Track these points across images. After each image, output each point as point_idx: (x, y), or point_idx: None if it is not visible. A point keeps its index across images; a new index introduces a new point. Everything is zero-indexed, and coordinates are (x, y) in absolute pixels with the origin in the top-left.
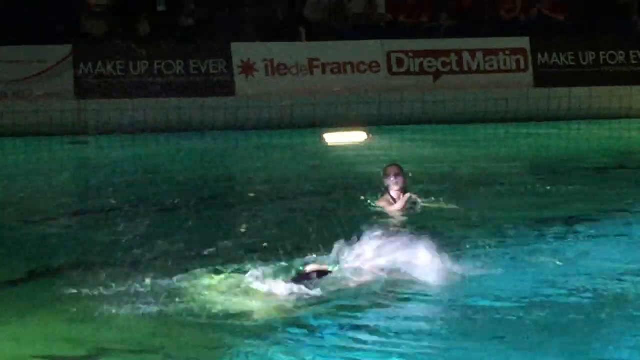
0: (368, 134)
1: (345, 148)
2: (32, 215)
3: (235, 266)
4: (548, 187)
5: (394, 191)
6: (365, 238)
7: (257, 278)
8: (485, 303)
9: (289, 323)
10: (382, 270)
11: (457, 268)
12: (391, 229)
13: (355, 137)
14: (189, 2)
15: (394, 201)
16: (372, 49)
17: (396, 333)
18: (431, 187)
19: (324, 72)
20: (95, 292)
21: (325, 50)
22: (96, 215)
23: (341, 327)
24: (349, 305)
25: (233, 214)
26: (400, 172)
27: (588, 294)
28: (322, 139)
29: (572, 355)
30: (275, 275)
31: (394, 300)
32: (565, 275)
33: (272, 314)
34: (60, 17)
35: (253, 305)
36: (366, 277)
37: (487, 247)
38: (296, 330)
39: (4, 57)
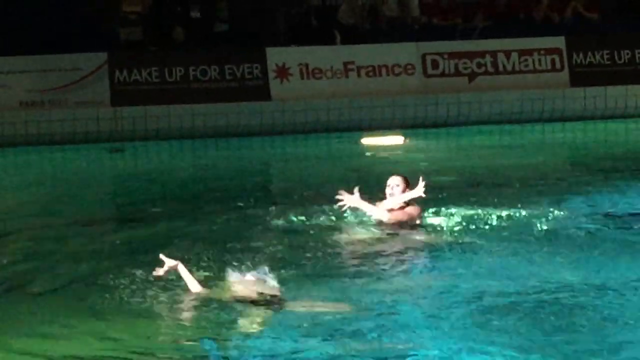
0: (404, 137)
1: (381, 151)
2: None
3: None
4: (585, 186)
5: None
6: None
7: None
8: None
9: None
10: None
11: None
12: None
13: (391, 140)
14: (223, 7)
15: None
16: (406, 51)
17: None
18: (466, 188)
19: (359, 75)
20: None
21: (360, 54)
22: (135, 222)
23: None
24: None
25: (263, 219)
26: (398, 184)
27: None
28: (358, 142)
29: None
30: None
31: None
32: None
33: None
34: (96, 25)
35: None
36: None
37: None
38: None
39: (40, 65)
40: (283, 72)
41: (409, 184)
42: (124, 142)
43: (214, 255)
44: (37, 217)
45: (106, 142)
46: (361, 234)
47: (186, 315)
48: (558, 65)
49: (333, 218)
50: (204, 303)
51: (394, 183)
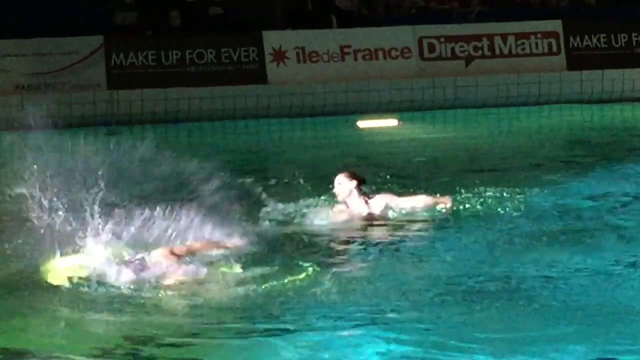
0: (401, 120)
1: (378, 134)
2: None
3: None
4: (581, 170)
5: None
6: None
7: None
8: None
9: None
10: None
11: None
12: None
13: (388, 123)
14: None
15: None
16: (403, 35)
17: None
18: (461, 172)
19: (355, 58)
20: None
21: (356, 37)
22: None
23: None
24: None
25: (253, 203)
26: (342, 183)
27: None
28: (355, 126)
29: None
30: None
31: None
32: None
33: None
34: (92, 9)
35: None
36: None
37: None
38: None
39: (36, 49)
40: (280, 56)
41: (356, 179)
42: (119, 125)
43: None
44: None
45: (102, 125)
46: (348, 222)
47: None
48: (555, 49)
49: (322, 203)
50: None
51: (337, 182)
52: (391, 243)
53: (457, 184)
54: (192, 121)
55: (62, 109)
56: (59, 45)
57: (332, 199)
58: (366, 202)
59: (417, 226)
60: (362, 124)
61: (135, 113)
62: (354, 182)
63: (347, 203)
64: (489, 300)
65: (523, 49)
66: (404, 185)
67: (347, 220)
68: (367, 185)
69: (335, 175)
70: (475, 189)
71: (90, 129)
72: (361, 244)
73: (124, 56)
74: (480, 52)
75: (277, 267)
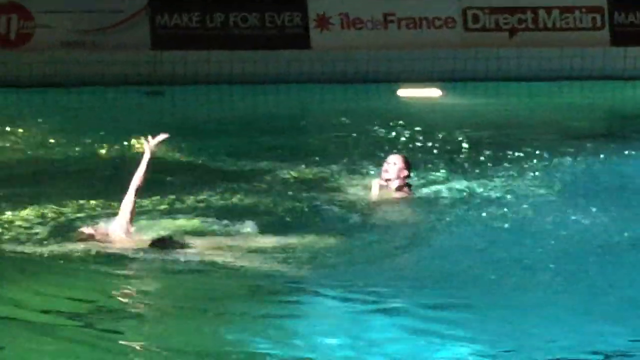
0: (442, 90)
1: (418, 104)
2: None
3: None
4: (622, 146)
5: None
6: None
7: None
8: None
9: None
10: None
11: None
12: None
13: (429, 92)
14: None
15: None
16: (447, 5)
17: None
18: (500, 145)
19: (399, 26)
20: None
21: (400, 5)
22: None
23: None
24: None
25: (286, 170)
26: (397, 164)
27: None
28: (396, 94)
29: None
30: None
31: None
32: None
33: None
34: None
35: None
36: None
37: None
38: None
39: (82, 6)
40: (323, 21)
41: (409, 169)
42: (162, 86)
43: (220, 202)
44: (73, 156)
45: (145, 85)
46: (385, 200)
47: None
48: (599, 24)
49: (353, 175)
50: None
51: (392, 161)
52: (425, 225)
53: (491, 158)
54: (234, 84)
55: (105, 68)
56: (105, 3)
57: (370, 171)
58: (406, 191)
59: (454, 212)
60: (403, 92)
61: (178, 74)
62: (406, 172)
63: (389, 183)
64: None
65: (567, 23)
66: (438, 156)
67: (383, 199)
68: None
69: (392, 153)
70: (510, 164)
71: (133, 88)
72: (392, 223)
73: (169, 17)
74: (524, 25)
75: (294, 235)
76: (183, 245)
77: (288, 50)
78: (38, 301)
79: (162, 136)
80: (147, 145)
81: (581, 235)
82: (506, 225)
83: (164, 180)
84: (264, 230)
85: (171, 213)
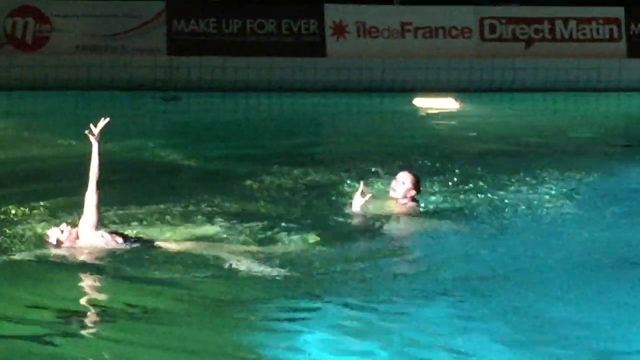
0: (458, 100)
1: (434, 113)
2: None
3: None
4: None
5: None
6: None
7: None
8: None
9: None
10: None
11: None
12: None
13: (444, 103)
14: None
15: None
16: (464, 15)
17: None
18: (515, 156)
19: (415, 36)
20: None
21: (417, 14)
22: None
23: None
24: None
25: (299, 177)
26: (406, 184)
27: None
28: (411, 103)
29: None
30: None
31: None
32: None
33: None
34: None
35: None
36: None
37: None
38: None
39: (99, 11)
40: (340, 29)
41: (418, 189)
42: (178, 91)
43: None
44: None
45: (161, 90)
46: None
47: None
48: (616, 35)
49: (370, 187)
50: None
51: (401, 180)
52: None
53: (506, 169)
54: (250, 91)
55: (120, 72)
56: (122, 8)
57: (381, 185)
58: (413, 207)
59: (462, 222)
60: (419, 101)
61: (194, 80)
62: (414, 192)
63: (398, 200)
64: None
65: (584, 34)
66: (451, 167)
67: (394, 213)
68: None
69: (402, 171)
70: (525, 175)
71: (148, 93)
72: (397, 235)
73: (185, 22)
74: (540, 35)
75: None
76: (151, 242)
77: (304, 58)
78: (20, 309)
79: (103, 122)
80: (91, 137)
81: (596, 247)
82: (520, 237)
83: (177, 186)
84: (269, 236)
85: (183, 218)
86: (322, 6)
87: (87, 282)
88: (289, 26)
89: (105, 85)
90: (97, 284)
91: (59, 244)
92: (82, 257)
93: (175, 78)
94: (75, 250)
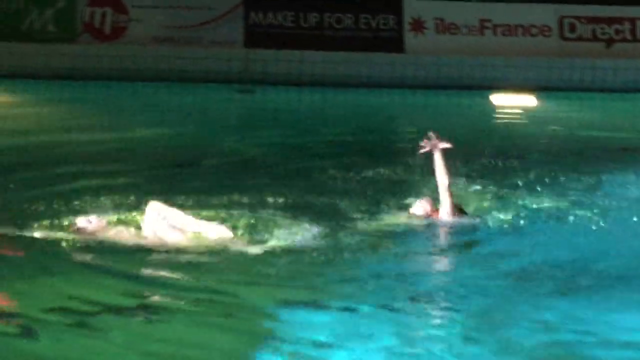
0: (536, 99)
1: (512, 111)
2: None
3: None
4: None
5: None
6: None
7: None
8: None
9: None
10: None
11: None
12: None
13: (523, 101)
14: None
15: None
16: (544, 13)
17: None
18: (594, 156)
19: (494, 33)
20: None
21: (496, 12)
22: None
23: None
24: None
25: (363, 176)
26: (425, 207)
27: None
28: (489, 101)
29: None
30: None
31: None
32: None
33: None
34: None
35: None
36: None
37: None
38: None
39: (176, 2)
40: (418, 25)
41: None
42: (253, 84)
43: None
44: (162, 151)
45: (236, 82)
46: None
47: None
48: None
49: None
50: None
51: (420, 204)
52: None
53: (581, 169)
54: (327, 85)
55: (197, 64)
56: (199, 0)
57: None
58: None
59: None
60: (497, 100)
61: (270, 73)
62: (428, 215)
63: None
64: None
65: None
66: (522, 168)
67: (422, 226)
68: None
69: (424, 197)
70: (602, 176)
71: (224, 85)
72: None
73: (263, 15)
74: (621, 35)
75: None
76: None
77: (381, 53)
78: (48, 298)
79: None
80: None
81: None
82: (587, 240)
83: (247, 179)
84: (323, 230)
85: (249, 208)
86: (401, 2)
87: (97, 279)
88: (367, 21)
89: (180, 77)
90: (105, 281)
91: (82, 232)
92: (96, 252)
93: (251, 71)
94: (93, 242)
